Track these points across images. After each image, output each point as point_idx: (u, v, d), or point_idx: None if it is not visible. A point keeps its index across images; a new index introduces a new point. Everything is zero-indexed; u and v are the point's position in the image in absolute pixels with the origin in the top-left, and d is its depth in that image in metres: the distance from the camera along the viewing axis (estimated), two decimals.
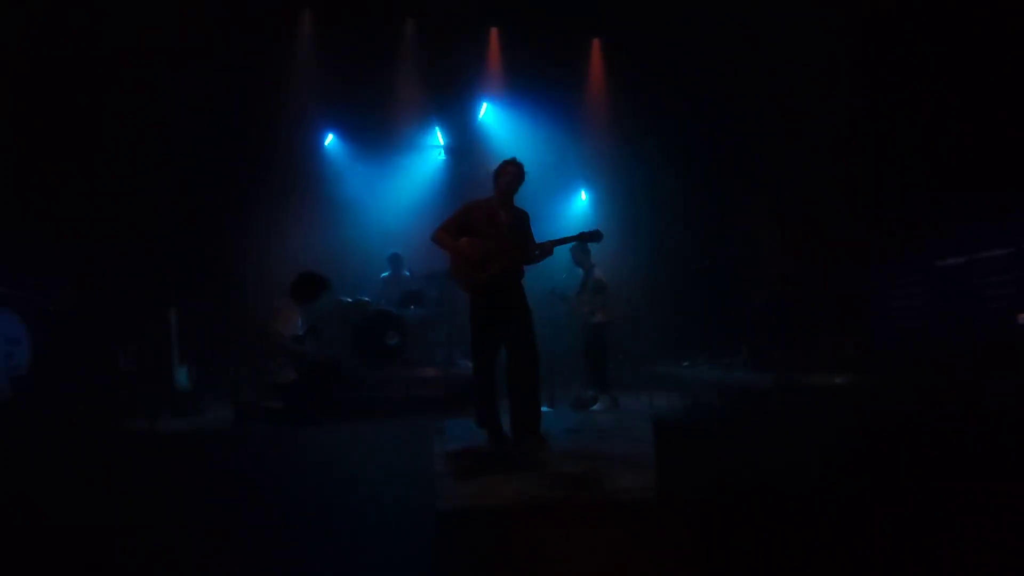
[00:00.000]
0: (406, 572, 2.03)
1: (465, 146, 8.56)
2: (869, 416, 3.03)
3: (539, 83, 8.31)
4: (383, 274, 7.43)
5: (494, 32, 8.48)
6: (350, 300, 6.79)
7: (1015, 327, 4.77)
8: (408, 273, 7.35)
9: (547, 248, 4.06)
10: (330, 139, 8.41)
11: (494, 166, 4.16)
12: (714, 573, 2.01)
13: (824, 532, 1.98)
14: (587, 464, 3.35)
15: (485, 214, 4.03)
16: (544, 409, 4.23)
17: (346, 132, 8.42)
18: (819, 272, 6.55)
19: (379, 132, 8.43)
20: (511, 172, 4.04)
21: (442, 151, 8.62)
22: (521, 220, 4.13)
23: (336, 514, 2.44)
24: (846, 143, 6.27)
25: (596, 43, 8.78)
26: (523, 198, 4.20)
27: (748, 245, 7.81)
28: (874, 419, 2.88)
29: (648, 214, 8.28)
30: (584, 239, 4.08)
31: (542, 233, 4.20)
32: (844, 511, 2.02)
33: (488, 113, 8.72)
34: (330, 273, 7.62)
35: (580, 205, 8.99)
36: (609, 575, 2.09)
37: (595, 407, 5.92)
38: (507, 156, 4.16)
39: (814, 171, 6.78)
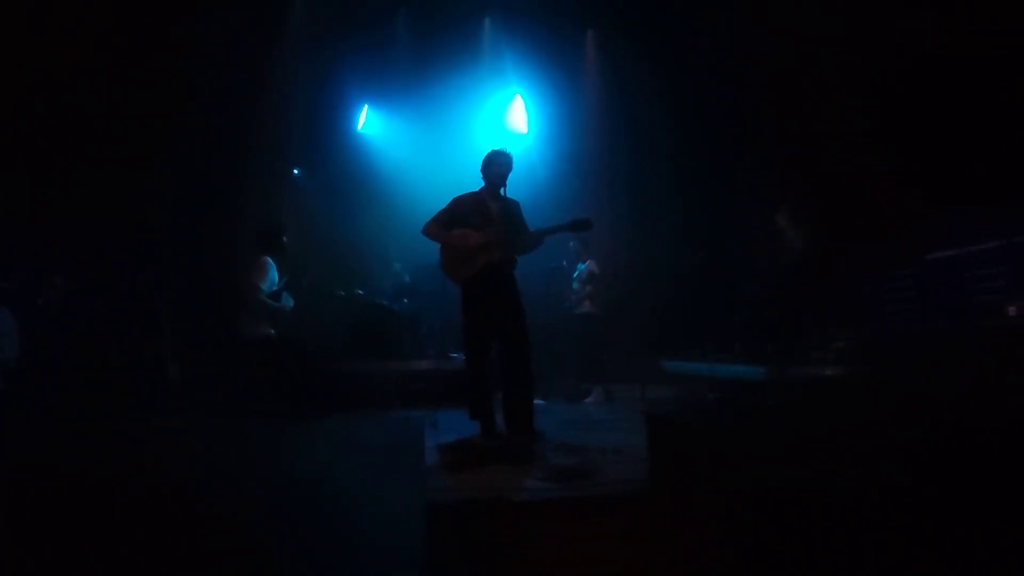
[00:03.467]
0: (398, 565, 2.02)
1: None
2: (861, 409, 3.05)
3: (532, 73, 8.28)
4: (373, 267, 7.39)
5: (487, 23, 8.44)
6: (344, 293, 6.77)
7: (1006, 319, 4.80)
8: (400, 266, 7.34)
9: (539, 237, 4.02)
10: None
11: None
12: (706, 565, 2.02)
13: (816, 525, 1.98)
14: (580, 457, 3.35)
15: (475, 206, 4.02)
16: (537, 402, 4.22)
17: (337, 125, 8.37)
18: (812, 265, 6.57)
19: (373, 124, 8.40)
20: (500, 163, 4.02)
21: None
22: (512, 210, 4.10)
23: (328, 507, 2.43)
24: (838, 137, 6.28)
25: (591, 34, 8.75)
26: (517, 191, 4.18)
27: (741, 239, 7.82)
28: (866, 412, 2.90)
29: (641, 207, 8.28)
30: (574, 227, 4.02)
31: (536, 222, 4.18)
32: (836, 504, 2.03)
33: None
34: (325, 266, 7.65)
35: (573, 196, 8.98)
36: (601, 567, 2.09)
37: (588, 400, 5.94)
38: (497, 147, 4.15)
39: (807, 165, 6.79)
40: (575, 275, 6.31)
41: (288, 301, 5.30)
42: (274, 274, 5.19)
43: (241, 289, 5.12)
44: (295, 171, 5.14)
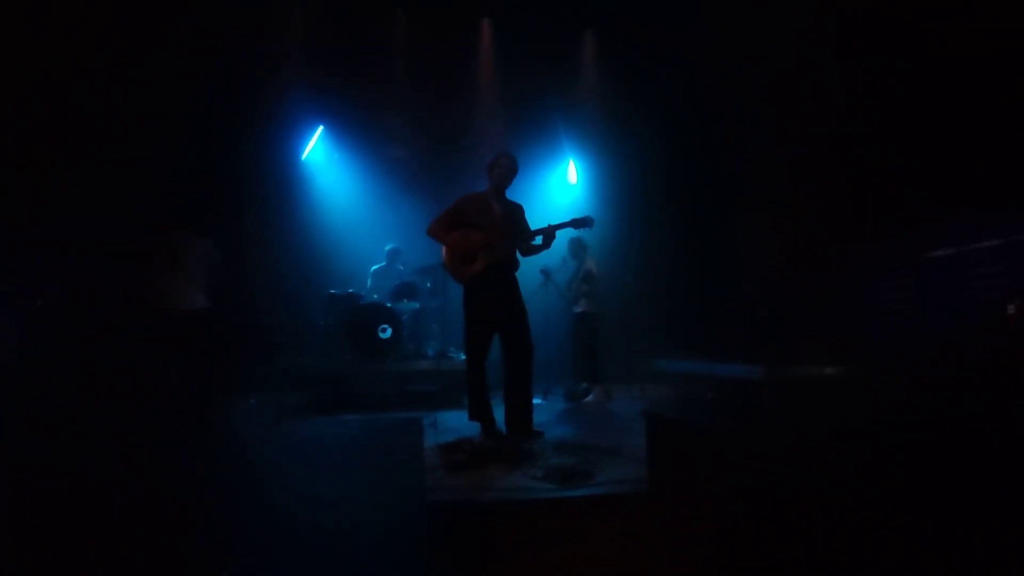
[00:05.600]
0: (398, 565, 2.03)
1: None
2: (860, 408, 3.05)
3: (531, 75, 8.29)
4: (374, 267, 7.42)
5: (485, 24, 8.45)
6: (341, 293, 6.77)
7: (1005, 318, 4.80)
8: (402, 267, 7.34)
9: (548, 234, 4.03)
10: (319, 131, 8.39)
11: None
12: (706, 566, 2.02)
13: (817, 526, 1.99)
14: (579, 456, 3.36)
15: (478, 206, 4.04)
16: (537, 401, 4.24)
17: (337, 125, 8.40)
18: (809, 264, 6.59)
19: (371, 126, 8.42)
20: (504, 165, 4.06)
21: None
22: (515, 212, 4.13)
23: (326, 508, 2.43)
24: (836, 134, 6.29)
25: (589, 34, 8.75)
26: (517, 190, 4.20)
27: (739, 238, 7.84)
28: (865, 411, 2.90)
29: (639, 207, 8.29)
30: (576, 225, 4.07)
31: (537, 224, 4.20)
32: (838, 505, 2.03)
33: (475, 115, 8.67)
34: (323, 267, 7.65)
35: (572, 195, 9.01)
36: (601, 567, 2.10)
37: (588, 399, 5.95)
38: (498, 147, 4.18)
39: (804, 163, 6.81)
40: (570, 276, 6.32)
41: None
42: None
43: (185, 263, 5.24)
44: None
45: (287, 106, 7.87)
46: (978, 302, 5.17)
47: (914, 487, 2.02)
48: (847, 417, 2.69)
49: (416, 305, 6.86)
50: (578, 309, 6.18)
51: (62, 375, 5.31)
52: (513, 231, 4.05)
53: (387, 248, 7.43)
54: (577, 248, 6.24)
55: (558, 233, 4.10)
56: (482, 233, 3.95)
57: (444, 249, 4.09)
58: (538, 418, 3.99)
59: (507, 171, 4.08)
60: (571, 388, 6.17)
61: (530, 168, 8.44)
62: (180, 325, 5.14)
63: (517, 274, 4.13)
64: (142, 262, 5.37)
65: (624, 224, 8.11)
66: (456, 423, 4.33)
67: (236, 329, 5.92)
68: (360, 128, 8.41)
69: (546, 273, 6.17)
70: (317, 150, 8.42)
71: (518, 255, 4.16)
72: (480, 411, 3.97)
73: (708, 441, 2.44)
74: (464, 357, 4.21)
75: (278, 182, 7.85)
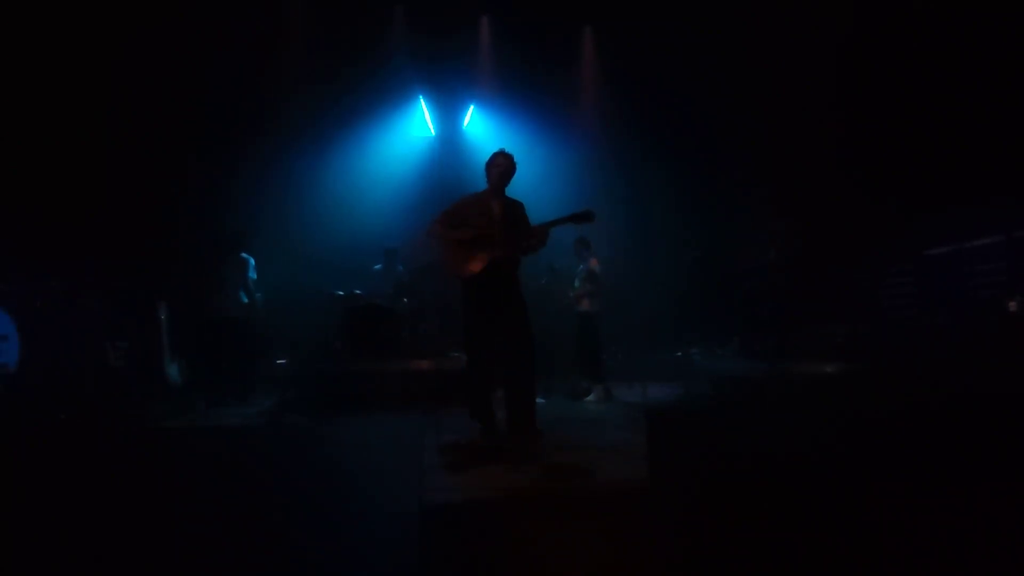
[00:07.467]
0: (397, 565, 2.02)
1: (454, 135, 8.51)
2: (861, 404, 3.05)
3: (530, 72, 8.27)
4: (375, 267, 7.41)
5: (484, 21, 8.43)
6: (343, 293, 6.76)
7: (1005, 315, 4.80)
8: (402, 267, 7.33)
9: (542, 232, 3.96)
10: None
11: (483, 158, 4.15)
12: (707, 564, 2.02)
13: (817, 522, 1.98)
14: (580, 454, 3.35)
15: (478, 206, 4.02)
16: (538, 400, 4.22)
17: (338, 123, 8.38)
18: (811, 261, 6.58)
19: (372, 123, 8.41)
20: (501, 164, 4.04)
21: (430, 131, 8.62)
22: (515, 210, 4.11)
23: (326, 508, 2.43)
24: (837, 133, 6.28)
25: (588, 31, 8.73)
26: (516, 189, 4.18)
27: (741, 235, 7.83)
28: (866, 407, 2.89)
29: (641, 204, 8.27)
30: (576, 220, 3.94)
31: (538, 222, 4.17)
32: (837, 500, 2.02)
33: (475, 116, 8.72)
34: (324, 266, 7.65)
35: (572, 193, 8.99)
36: (602, 566, 2.09)
37: (589, 397, 5.94)
38: (498, 146, 4.16)
39: (806, 161, 6.79)
40: (577, 273, 6.31)
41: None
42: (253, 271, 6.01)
43: (229, 277, 5.83)
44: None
45: (286, 102, 7.87)
46: (978, 298, 5.16)
47: (914, 485, 2.01)
48: (849, 414, 2.69)
49: (416, 304, 6.85)
50: (581, 308, 6.16)
51: (63, 375, 5.31)
52: (513, 229, 4.02)
53: (385, 248, 7.41)
54: (581, 248, 6.22)
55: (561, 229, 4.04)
56: (482, 232, 3.93)
57: (444, 248, 4.06)
58: (539, 417, 3.97)
59: (504, 170, 4.05)
60: (572, 387, 6.17)
61: (529, 165, 8.44)
62: (219, 330, 5.74)
63: (519, 272, 4.11)
64: (189, 272, 6.09)
65: (626, 222, 8.09)
66: (457, 423, 4.32)
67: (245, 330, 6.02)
68: (359, 127, 8.39)
69: (552, 269, 6.16)
70: (317, 150, 8.41)
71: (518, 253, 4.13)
72: (481, 410, 3.95)
73: (709, 438, 2.43)
74: (465, 356, 4.19)
75: (279, 185, 7.83)
